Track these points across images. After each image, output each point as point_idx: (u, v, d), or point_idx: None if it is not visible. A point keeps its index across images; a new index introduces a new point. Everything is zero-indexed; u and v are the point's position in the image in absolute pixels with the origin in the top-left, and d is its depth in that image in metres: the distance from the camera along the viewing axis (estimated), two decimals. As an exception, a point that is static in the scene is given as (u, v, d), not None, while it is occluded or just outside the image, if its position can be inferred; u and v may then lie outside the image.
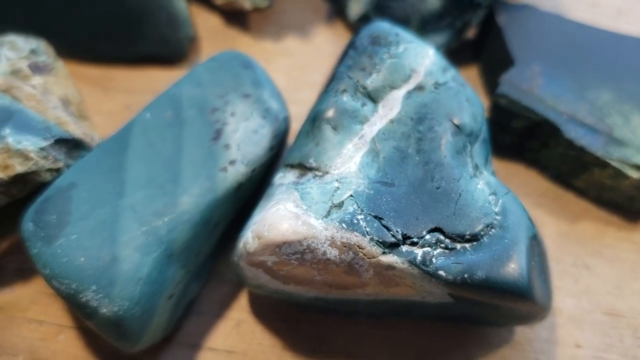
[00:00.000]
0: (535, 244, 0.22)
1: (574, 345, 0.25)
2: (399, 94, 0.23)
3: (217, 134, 0.24)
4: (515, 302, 0.20)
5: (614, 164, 0.27)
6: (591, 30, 0.33)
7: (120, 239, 0.21)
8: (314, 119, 0.23)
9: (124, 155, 0.23)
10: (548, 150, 0.30)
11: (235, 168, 0.23)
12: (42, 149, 0.24)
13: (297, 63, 0.36)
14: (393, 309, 0.23)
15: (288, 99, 0.27)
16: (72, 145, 0.25)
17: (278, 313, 0.25)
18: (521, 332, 0.25)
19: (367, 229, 0.20)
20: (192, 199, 0.22)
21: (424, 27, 0.34)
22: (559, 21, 0.33)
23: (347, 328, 0.25)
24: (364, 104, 0.23)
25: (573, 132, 0.28)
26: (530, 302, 0.20)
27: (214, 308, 0.25)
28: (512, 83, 0.29)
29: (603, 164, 0.27)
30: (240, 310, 0.25)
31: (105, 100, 0.33)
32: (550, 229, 0.29)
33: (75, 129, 0.26)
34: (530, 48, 0.31)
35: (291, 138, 0.27)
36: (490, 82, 0.34)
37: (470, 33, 0.37)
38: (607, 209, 0.30)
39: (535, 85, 0.29)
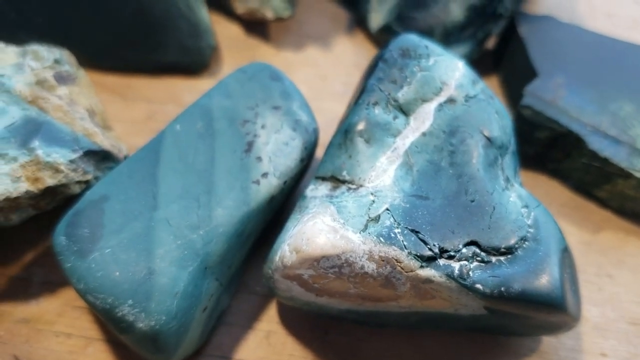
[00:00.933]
0: (566, 256, 0.22)
1: (600, 353, 0.25)
2: (430, 107, 0.23)
3: (249, 146, 0.24)
4: (549, 313, 0.20)
5: (638, 174, 0.27)
6: (611, 42, 0.33)
7: (156, 253, 0.21)
8: (346, 132, 0.23)
9: (155, 167, 0.23)
10: (571, 160, 0.30)
11: (267, 180, 0.23)
12: (71, 161, 0.24)
13: (319, 73, 0.36)
14: (423, 320, 0.24)
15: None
16: (101, 157, 0.25)
17: (308, 324, 0.25)
18: (547, 341, 0.25)
19: (405, 243, 0.20)
20: (226, 211, 0.22)
21: (447, 38, 0.34)
22: (579, 32, 0.34)
23: (376, 339, 0.25)
24: (395, 117, 0.23)
25: (597, 144, 0.28)
26: (563, 313, 0.20)
27: (243, 319, 0.25)
28: (536, 94, 0.29)
29: (627, 175, 0.28)
30: (269, 322, 0.25)
31: (126, 109, 0.33)
32: (573, 239, 0.29)
33: (103, 141, 0.25)
34: (552, 59, 0.31)
35: (317, 149, 0.27)
36: (512, 93, 0.34)
37: (490, 43, 0.37)
38: (629, 219, 0.30)
39: (559, 97, 0.29)
